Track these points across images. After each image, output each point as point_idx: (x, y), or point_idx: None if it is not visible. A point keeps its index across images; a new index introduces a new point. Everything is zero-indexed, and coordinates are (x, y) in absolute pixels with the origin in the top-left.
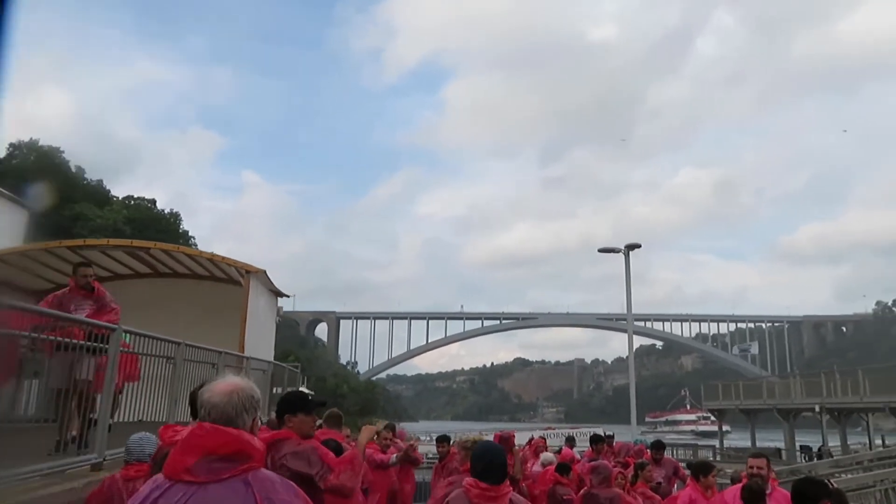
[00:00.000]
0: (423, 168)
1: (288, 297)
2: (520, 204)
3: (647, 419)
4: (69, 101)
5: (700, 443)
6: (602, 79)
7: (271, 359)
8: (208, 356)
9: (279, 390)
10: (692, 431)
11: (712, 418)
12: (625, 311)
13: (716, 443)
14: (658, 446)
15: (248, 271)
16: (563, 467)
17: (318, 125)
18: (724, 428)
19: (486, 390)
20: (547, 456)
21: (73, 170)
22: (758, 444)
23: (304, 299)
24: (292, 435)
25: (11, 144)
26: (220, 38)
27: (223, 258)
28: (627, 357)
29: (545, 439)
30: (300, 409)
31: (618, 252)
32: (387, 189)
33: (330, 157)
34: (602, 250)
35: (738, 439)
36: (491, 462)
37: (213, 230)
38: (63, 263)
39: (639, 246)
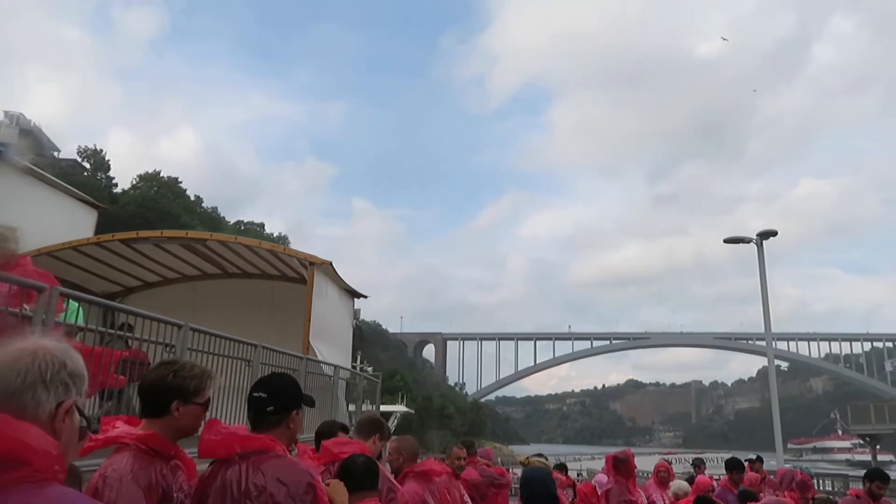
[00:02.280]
0: (529, 190)
1: (365, 297)
2: (628, 222)
3: (790, 446)
4: (198, 139)
5: (851, 473)
6: (711, 92)
7: (348, 366)
8: (234, 349)
9: (352, 407)
10: (847, 461)
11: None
12: (744, 331)
13: None
14: None
15: (311, 262)
16: (705, 502)
17: (425, 151)
18: (888, 457)
19: (597, 413)
20: (680, 485)
21: (192, 198)
22: None
23: (412, 321)
24: (277, 445)
25: (139, 176)
26: (329, 71)
27: (285, 249)
28: (767, 368)
29: (670, 463)
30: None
31: (748, 242)
32: (492, 211)
33: (437, 181)
34: (729, 240)
35: None
36: (533, 490)
37: (324, 256)
38: (118, 259)
39: (774, 233)
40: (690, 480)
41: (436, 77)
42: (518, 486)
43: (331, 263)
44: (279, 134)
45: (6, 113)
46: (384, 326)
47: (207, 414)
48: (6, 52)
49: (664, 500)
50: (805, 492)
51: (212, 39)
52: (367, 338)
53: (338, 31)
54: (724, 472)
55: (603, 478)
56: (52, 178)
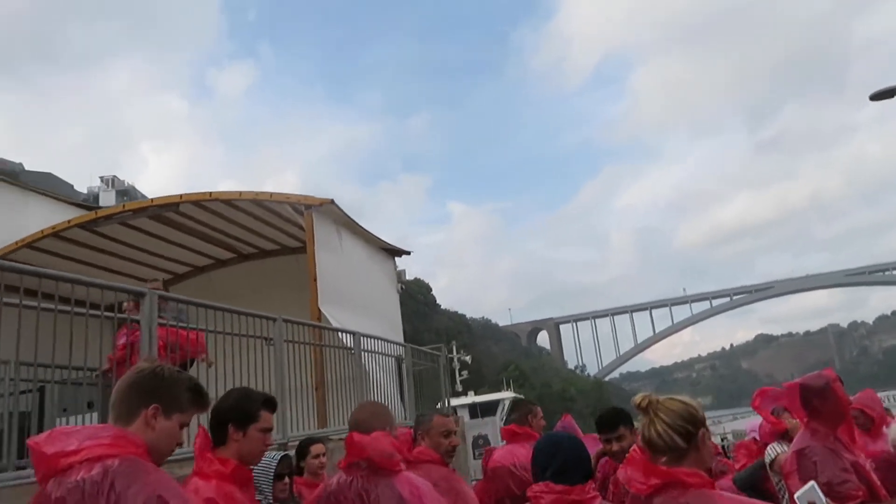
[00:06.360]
0: (622, 161)
1: (407, 253)
2: (732, 175)
3: None
4: (297, 177)
5: None
6: (800, 27)
7: (396, 339)
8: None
9: (397, 388)
10: None
11: None
12: (880, 262)
13: None
14: None
15: (308, 206)
16: None
17: (512, 142)
18: None
19: (730, 374)
20: None
21: None
22: None
23: (523, 312)
24: None
25: None
26: (406, 85)
27: (272, 195)
28: None
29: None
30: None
31: None
32: (588, 189)
33: (529, 170)
34: (876, 96)
35: None
36: (569, 455)
37: (430, 264)
38: (102, 256)
39: None
40: None
41: (513, 70)
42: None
43: (332, 201)
44: (369, 157)
45: (102, 178)
46: (493, 321)
47: None
48: (124, 132)
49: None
50: None
51: (295, 79)
52: (477, 334)
53: (406, 45)
54: None
55: (756, 422)
56: (28, 184)
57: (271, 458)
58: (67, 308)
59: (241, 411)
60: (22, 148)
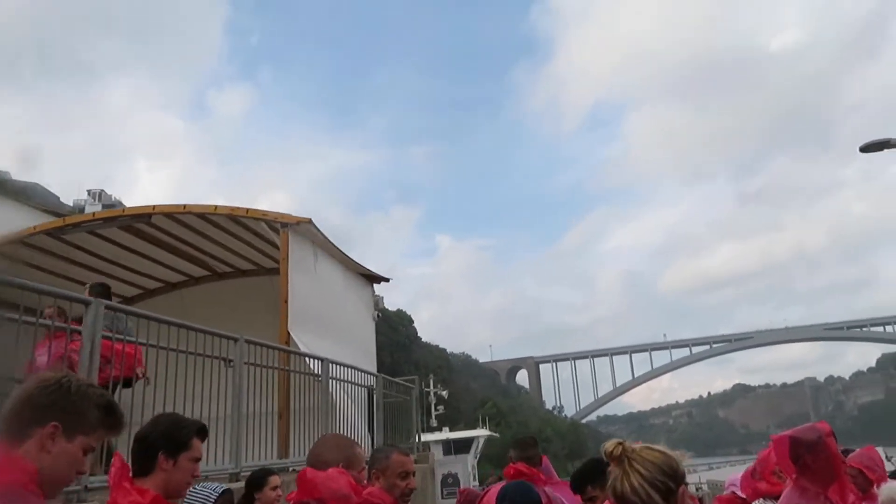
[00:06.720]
0: (612, 204)
1: (386, 280)
2: (718, 224)
3: None
4: (291, 202)
5: None
6: (792, 84)
7: (369, 369)
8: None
9: (364, 423)
10: None
11: None
12: (858, 318)
13: None
14: None
15: (284, 224)
16: None
17: (505, 180)
18: None
19: (707, 422)
20: (893, 489)
21: None
22: None
23: (505, 349)
24: None
25: None
26: (400, 118)
27: (248, 210)
28: (887, 356)
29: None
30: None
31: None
32: (578, 231)
33: (519, 208)
34: (866, 147)
35: None
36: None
37: (414, 296)
38: (69, 266)
39: None
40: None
41: (509, 109)
42: None
43: (310, 221)
44: (362, 184)
45: (89, 191)
46: (474, 357)
47: None
48: (118, 148)
49: None
50: None
51: (294, 103)
52: (456, 368)
53: (405, 77)
54: None
55: (736, 478)
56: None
57: (211, 489)
58: None
59: (173, 439)
60: (11, 156)
